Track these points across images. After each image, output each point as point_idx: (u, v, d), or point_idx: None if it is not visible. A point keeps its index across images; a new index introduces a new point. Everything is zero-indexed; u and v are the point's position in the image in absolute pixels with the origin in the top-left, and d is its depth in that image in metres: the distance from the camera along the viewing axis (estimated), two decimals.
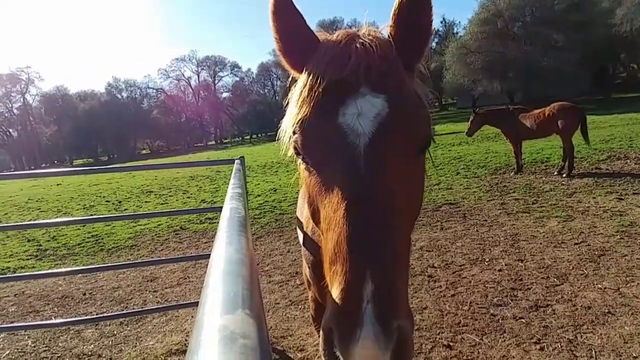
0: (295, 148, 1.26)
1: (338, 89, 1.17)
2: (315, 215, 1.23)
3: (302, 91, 1.25)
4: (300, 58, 1.34)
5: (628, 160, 10.96)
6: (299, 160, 1.28)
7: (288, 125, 1.31)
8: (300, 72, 1.33)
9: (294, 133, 1.24)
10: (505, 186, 9.95)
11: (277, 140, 1.42)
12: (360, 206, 1.02)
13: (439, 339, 3.91)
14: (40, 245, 9.64)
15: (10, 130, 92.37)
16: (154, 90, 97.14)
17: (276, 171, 18.98)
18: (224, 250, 0.75)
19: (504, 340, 3.77)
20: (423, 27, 1.29)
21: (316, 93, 1.19)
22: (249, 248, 0.80)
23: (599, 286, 4.56)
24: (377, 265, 0.92)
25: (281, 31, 1.36)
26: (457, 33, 59.82)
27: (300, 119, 1.22)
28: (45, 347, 4.61)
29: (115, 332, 4.80)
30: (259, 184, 15.50)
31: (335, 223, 1.03)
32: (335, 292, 0.93)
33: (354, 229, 0.98)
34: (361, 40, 1.25)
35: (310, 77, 1.23)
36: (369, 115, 1.14)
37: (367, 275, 0.90)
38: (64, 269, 6.72)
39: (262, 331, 0.47)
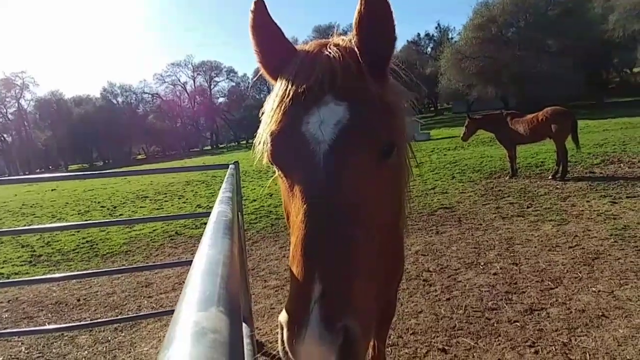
0: (267, 156, 1.30)
1: (304, 98, 1.21)
2: (288, 219, 1.29)
3: (273, 101, 1.29)
4: (278, 69, 1.38)
5: (621, 164, 11.04)
6: (274, 168, 1.33)
7: (262, 134, 1.35)
8: None
9: (266, 142, 1.29)
10: (500, 190, 9.99)
11: (252, 149, 1.47)
12: (315, 211, 1.06)
13: (434, 342, 3.91)
14: (34, 251, 9.58)
15: (5, 135, 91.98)
16: (150, 95, 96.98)
17: (272, 176, 18.91)
18: (205, 252, 0.76)
19: (499, 344, 3.78)
20: (386, 34, 1.31)
21: (284, 103, 1.24)
22: (231, 249, 0.81)
23: (593, 289, 4.58)
24: (326, 268, 0.96)
25: (260, 44, 1.43)
26: (451, 39, 60.12)
27: (270, 128, 1.26)
28: (39, 353, 4.58)
29: (109, 338, 4.77)
30: (254, 188, 15.48)
31: (296, 228, 1.08)
32: (289, 294, 0.99)
33: (308, 234, 1.02)
34: (327, 50, 1.30)
35: (281, 87, 1.28)
36: (330, 123, 1.17)
37: (316, 278, 0.94)
38: (58, 275, 6.67)
39: (234, 327, 0.48)
